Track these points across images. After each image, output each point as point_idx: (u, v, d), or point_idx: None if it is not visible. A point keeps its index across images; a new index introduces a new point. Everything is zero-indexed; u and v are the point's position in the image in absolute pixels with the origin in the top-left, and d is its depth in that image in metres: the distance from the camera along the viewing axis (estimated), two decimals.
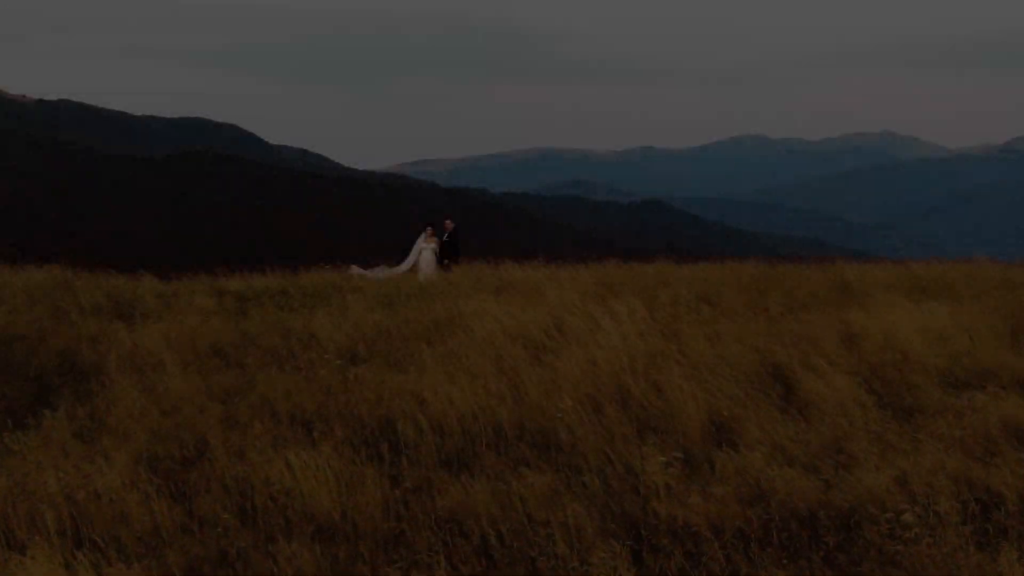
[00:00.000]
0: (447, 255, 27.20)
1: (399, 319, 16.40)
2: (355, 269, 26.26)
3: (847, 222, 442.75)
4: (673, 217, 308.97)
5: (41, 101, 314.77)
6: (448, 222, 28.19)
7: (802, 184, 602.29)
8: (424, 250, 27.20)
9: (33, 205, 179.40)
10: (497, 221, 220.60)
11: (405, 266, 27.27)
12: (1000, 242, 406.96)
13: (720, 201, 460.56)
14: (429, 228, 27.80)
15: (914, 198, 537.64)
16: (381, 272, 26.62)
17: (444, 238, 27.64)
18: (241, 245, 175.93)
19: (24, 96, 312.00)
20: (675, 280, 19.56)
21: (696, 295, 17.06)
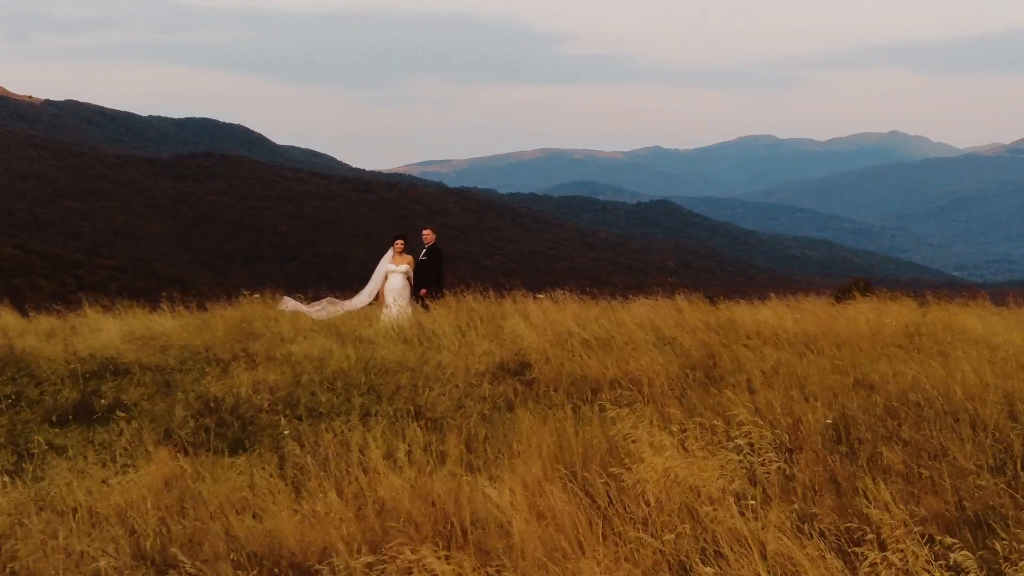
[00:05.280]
0: (424, 282, 18.99)
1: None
2: (288, 303, 19.04)
3: (856, 222, 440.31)
4: (681, 218, 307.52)
5: (48, 102, 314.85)
6: (427, 232, 19.67)
7: (810, 184, 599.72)
8: (392, 275, 18.84)
9: (38, 205, 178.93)
10: (504, 222, 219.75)
11: (363, 299, 19.19)
12: (1009, 243, 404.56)
13: (728, 202, 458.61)
14: (399, 241, 19.38)
15: (922, 198, 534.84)
16: (326, 309, 18.82)
17: (422, 256, 19.27)
18: (246, 245, 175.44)
19: (30, 97, 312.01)
20: (867, 367, 11.03)
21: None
